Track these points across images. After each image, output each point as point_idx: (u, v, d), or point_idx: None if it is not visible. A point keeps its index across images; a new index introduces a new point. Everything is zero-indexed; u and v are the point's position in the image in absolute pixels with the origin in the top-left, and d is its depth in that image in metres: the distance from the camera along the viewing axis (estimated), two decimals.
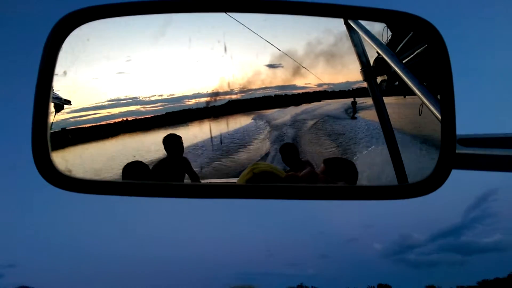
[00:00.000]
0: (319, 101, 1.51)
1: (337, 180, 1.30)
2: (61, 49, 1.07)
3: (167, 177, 1.31)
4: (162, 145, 1.29)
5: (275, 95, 1.44)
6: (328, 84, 1.47)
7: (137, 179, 1.26)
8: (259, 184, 1.23)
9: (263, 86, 1.40)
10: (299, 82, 1.42)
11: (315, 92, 1.46)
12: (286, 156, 1.35)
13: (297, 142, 1.57)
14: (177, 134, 1.33)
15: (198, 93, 1.35)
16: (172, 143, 1.31)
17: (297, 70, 1.39)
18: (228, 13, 1.15)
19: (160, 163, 1.28)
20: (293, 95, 1.45)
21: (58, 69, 1.08)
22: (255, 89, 1.40)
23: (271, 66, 1.37)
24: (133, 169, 1.25)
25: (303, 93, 1.45)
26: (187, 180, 1.34)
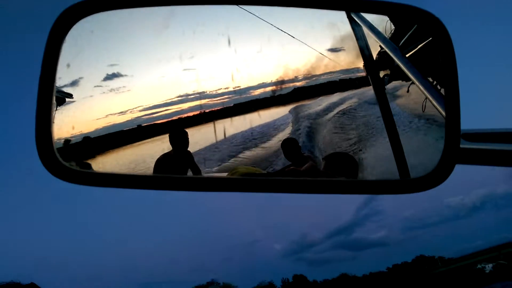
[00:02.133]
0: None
1: (338, 175, 1.31)
2: (64, 41, 1.07)
3: (171, 171, 1.31)
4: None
5: (340, 79, 1.52)
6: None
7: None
8: (262, 178, 1.23)
9: (327, 71, 1.47)
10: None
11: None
12: (287, 151, 1.35)
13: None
14: (183, 129, 1.33)
15: (263, 82, 1.39)
16: (178, 138, 1.31)
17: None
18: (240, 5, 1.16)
19: (164, 157, 1.28)
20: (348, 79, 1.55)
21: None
22: (319, 75, 1.46)
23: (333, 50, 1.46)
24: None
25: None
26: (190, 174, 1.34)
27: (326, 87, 1.49)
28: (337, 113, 1.66)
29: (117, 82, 1.25)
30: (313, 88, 1.48)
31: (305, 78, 1.43)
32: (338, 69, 1.50)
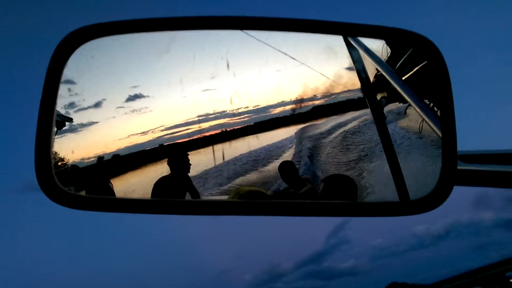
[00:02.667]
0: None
1: (337, 197, 1.30)
2: (65, 66, 1.09)
3: (169, 195, 1.31)
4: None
5: (346, 100, 1.55)
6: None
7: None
8: (262, 200, 1.23)
9: (346, 89, 1.51)
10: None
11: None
12: (284, 174, 1.35)
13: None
14: (184, 151, 1.33)
15: (282, 101, 1.43)
16: (179, 161, 1.32)
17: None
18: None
19: (162, 180, 1.28)
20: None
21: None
22: (338, 93, 1.50)
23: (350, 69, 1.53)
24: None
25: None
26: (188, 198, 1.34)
27: (333, 107, 1.52)
28: (339, 134, 1.67)
29: (139, 103, 1.29)
30: (321, 108, 1.50)
31: (324, 96, 1.47)
32: (339, 90, 1.53)
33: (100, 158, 1.25)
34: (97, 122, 1.26)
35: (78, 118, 1.23)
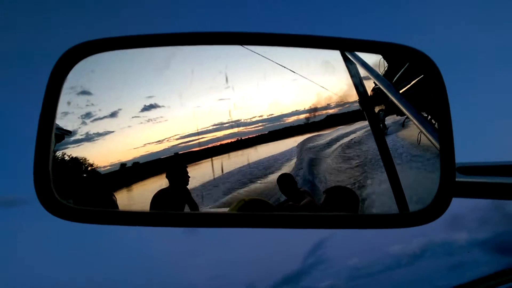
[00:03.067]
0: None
1: (338, 209, 1.30)
2: (65, 82, 1.10)
3: (168, 207, 1.31)
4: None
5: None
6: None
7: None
8: (260, 213, 1.23)
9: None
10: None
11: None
12: (283, 187, 1.35)
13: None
14: (183, 164, 1.34)
15: (296, 110, 1.46)
16: (177, 174, 1.32)
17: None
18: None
19: (161, 193, 1.28)
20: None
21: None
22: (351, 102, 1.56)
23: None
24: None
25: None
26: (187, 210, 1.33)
27: (335, 119, 1.54)
28: (339, 146, 1.68)
29: (154, 112, 1.32)
30: (326, 119, 1.53)
31: (338, 105, 1.51)
32: (344, 102, 1.56)
33: (103, 172, 1.27)
34: (113, 132, 1.29)
35: (94, 127, 1.27)
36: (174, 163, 1.33)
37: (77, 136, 1.25)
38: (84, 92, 1.23)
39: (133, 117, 1.30)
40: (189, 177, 1.31)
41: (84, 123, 1.26)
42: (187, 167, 1.33)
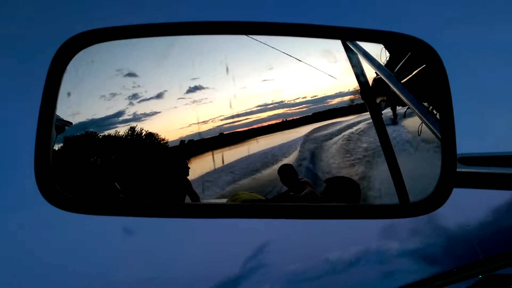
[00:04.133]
0: None
1: (339, 200, 1.30)
2: (65, 72, 1.09)
3: (167, 198, 1.31)
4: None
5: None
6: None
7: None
8: (261, 203, 1.23)
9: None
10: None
11: None
12: (284, 177, 1.35)
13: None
14: (183, 157, 1.34)
15: (340, 92, 1.50)
16: (177, 166, 1.33)
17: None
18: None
19: (160, 184, 1.29)
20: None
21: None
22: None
23: None
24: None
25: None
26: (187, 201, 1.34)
27: (338, 110, 1.54)
28: (341, 137, 1.68)
29: (199, 94, 1.35)
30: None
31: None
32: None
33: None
34: (159, 112, 1.33)
35: (141, 108, 1.31)
36: (174, 156, 1.33)
37: (125, 116, 1.30)
38: (130, 74, 1.28)
39: (178, 99, 1.33)
40: (189, 168, 1.31)
41: (131, 103, 1.30)
42: (187, 160, 1.33)
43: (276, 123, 1.44)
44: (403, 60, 1.47)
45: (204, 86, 1.34)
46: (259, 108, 1.40)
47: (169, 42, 1.25)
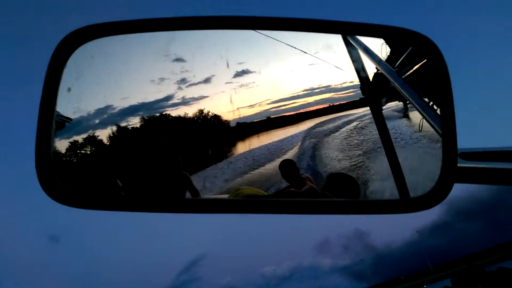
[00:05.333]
0: None
1: (339, 195, 1.30)
2: (65, 67, 1.09)
3: (165, 193, 1.32)
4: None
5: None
6: None
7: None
8: (262, 198, 1.23)
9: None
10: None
11: None
12: (285, 173, 1.35)
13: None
14: (175, 152, 1.35)
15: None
16: (168, 162, 1.33)
17: None
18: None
19: (158, 179, 1.29)
20: None
21: None
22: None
23: None
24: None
25: None
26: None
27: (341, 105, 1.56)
28: (342, 132, 1.69)
29: (246, 78, 1.37)
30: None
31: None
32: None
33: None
34: (207, 96, 1.36)
35: (189, 92, 1.34)
36: (166, 152, 1.34)
37: (174, 100, 1.32)
38: (178, 59, 1.29)
39: (226, 83, 1.36)
40: (181, 164, 1.31)
41: (180, 88, 1.32)
42: (178, 155, 1.33)
43: (324, 107, 1.47)
44: (404, 55, 1.46)
45: (251, 70, 1.36)
46: (305, 92, 1.43)
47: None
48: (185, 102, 1.33)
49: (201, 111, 1.35)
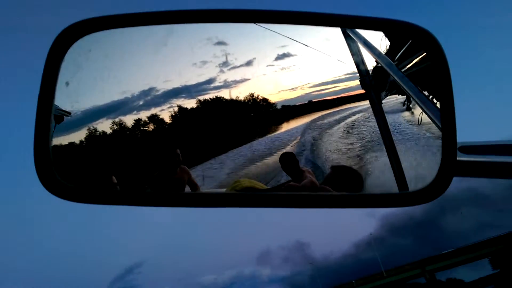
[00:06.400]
0: None
1: (340, 189, 1.30)
2: (63, 60, 1.08)
3: (165, 187, 1.32)
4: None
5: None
6: None
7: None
8: (260, 193, 1.23)
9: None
10: None
11: None
12: (285, 165, 1.35)
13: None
14: (173, 146, 1.34)
15: None
16: (165, 157, 1.33)
17: None
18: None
19: (159, 174, 1.29)
20: None
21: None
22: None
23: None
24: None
25: None
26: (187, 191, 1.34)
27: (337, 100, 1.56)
28: (342, 126, 1.68)
29: (288, 61, 1.38)
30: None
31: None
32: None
33: None
34: (249, 79, 1.37)
35: (231, 75, 1.35)
36: (164, 147, 1.34)
37: (216, 83, 1.33)
38: (220, 43, 1.30)
39: (267, 66, 1.36)
40: (180, 158, 1.31)
41: (222, 71, 1.33)
42: (176, 149, 1.33)
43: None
44: (404, 48, 1.45)
45: (292, 53, 1.36)
46: (347, 76, 1.44)
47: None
48: (227, 85, 1.34)
49: (251, 94, 1.37)
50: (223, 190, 1.33)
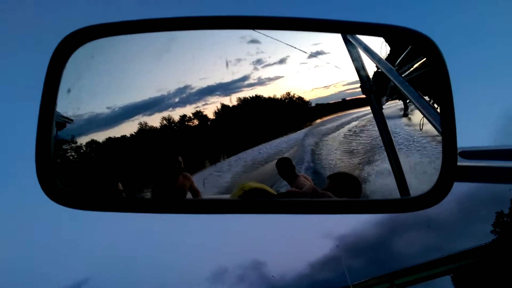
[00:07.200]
0: None
1: (340, 195, 1.30)
2: (65, 68, 1.09)
3: (167, 194, 1.32)
4: None
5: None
6: None
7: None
8: (263, 199, 1.23)
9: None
10: None
11: None
12: (282, 170, 1.36)
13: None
14: (174, 153, 1.34)
15: None
16: (167, 164, 1.33)
17: None
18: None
19: (160, 182, 1.29)
20: None
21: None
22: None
23: None
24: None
25: None
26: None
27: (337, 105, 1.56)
28: (342, 132, 1.69)
29: (321, 59, 1.39)
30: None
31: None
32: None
33: None
34: (283, 77, 1.38)
35: (265, 73, 1.37)
36: (165, 155, 1.34)
37: (250, 81, 1.35)
38: (254, 41, 1.30)
39: (301, 64, 1.38)
40: (181, 165, 1.31)
41: (256, 69, 1.35)
42: (178, 156, 1.33)
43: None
44: (404, 54, 1.46)
45: (326, 51, 1.37)
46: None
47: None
48: (261, 82, 1.36)
49: (288, 93, 1.39)
50: (226, 196, 1.34)
